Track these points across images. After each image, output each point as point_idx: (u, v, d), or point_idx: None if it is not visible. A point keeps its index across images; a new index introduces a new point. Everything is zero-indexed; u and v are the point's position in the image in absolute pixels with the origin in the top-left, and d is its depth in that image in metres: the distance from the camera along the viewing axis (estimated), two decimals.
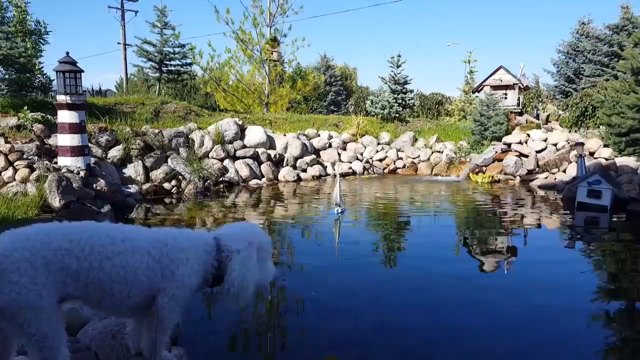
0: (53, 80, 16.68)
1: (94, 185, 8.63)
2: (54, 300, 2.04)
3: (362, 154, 16.26)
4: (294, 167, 14.25)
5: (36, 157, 8.82)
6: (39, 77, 19.37)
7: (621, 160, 11.89)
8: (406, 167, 16.22)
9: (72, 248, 2.06)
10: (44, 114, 10.26)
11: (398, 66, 19.60)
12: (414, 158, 16.43)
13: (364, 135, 16.95)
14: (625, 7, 25.75)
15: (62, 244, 2.05)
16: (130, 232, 2.30)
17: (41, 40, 19.65)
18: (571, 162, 13.00)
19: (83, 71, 8.85)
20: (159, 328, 2.35)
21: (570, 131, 16.11)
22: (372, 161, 16.17)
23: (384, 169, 16.09)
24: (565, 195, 10.95)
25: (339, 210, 8.62)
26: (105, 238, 2.18)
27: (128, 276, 2.17)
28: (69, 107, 8.73)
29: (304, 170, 14.42)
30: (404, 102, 19.41)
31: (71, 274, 2.05)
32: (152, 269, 2.25)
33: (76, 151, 8.84)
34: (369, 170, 15.87)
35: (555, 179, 12.92)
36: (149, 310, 2.32)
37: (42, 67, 18.82)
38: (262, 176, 13.31)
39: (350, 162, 15.70)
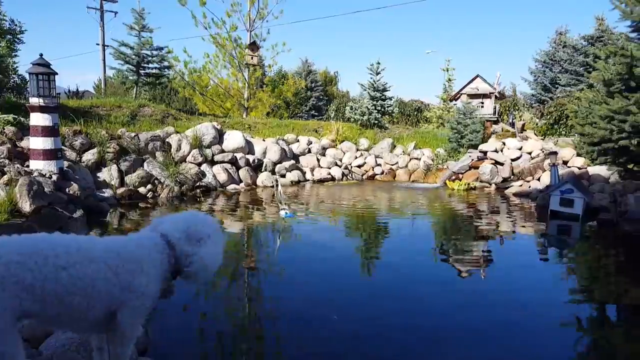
0: (28, 80, 16.39)
1: (67, 190, 8.48)
2: (9, 317, 1.98)
3: (341, 160, 16.30)
4: (273, 172, 14.21)
5: (7, 160, 8.64)
6: (14, 78, 18.97)
7: (593, 170, 12.15)
8: (385, 173, 16.32)
9: (24, 260, 2.00)
10: (16, 116, 10.04)
11: (377, 73, 19.74)
12: (393, 164, 16.54)
13: (343, 141, 17.02)
14: (600, 19, 26.43)
15: (13, 257, 1.99)
16: (84, 242, 2.24)
17: (16, 40, 19.28)
18: (545, 170, 13.22)
19: (57, 73, 8.71)
20: (120, 342, 2.30)
21: (544, 139, 16.40)
22: (351, 167, 16.22)
23: (362, 175, 16.16)
24: (539, 204, 11.13)
25: (289, 213, 9.13)
26: (59, 248, 2.10)
27: (86, 287, 2.10)
28: (42, 109, 8.58)
29: (283, 176, 14.38)
30: (383, 109, 19.55)
31: (26, 288, 1.98)
32: (110, 280, 2.18)
33: (49, 155, 8.68)
34: (348, 176, 15.91)
35: (529, 187, 13.12)
36: (110, 325, 2.27)
37: (17, 67, 18.45)
38: (240, 181, 13.24)
39: (330, 168, 15.72)
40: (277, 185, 9.79)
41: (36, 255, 2.02)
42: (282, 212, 9.20)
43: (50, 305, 2.05)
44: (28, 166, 8.75)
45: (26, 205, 7.21)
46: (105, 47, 22.62)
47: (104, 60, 23.12)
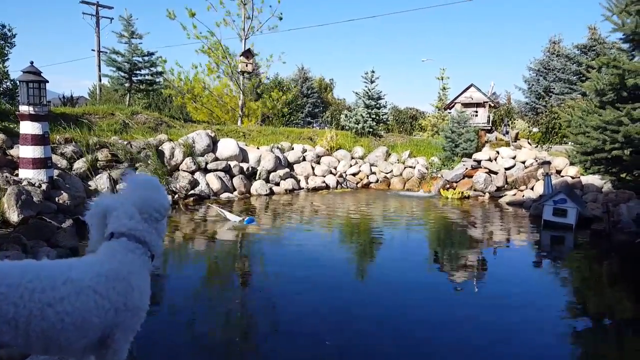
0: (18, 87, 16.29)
1: (56, 199, 8.38)
2: None
3: (335, 168, 16.27)
4: (267, 180, 14.14)
5: None
6: (6, 82, 18.83)
7: (587, 179, 12.15)
8: (379, 181, 16.28)
9: (9, 293, 1.90)
10: (5, 124, 9.95)
11: (372, 82, 19.76)
12: (387, 173, 16.52)
13: (338, 149, 17.00)
14: (592, 28, 26.62)
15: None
16: (69, 270, 2.14)
17: (7, 44, 19.18)
18: (539, 179, 13.23)
19: (47, 81, 8.62)
20: (111, 359, 2.23)
21: (538, 148, 16.43)
22: (346, 175, 16.19)
23: (357, 183, 16.11)
24: (532, 213, 11.11)
25: (247, 219, 9.50)
26: (46, 281, 1.98)
27: (76, 321, 2.01)
28: (32, 118, 8.48)
29: (277, 184, 14.33)
30: (377, 117, 19.55)
31: (8, 321, 1.88)
32: (103, 307, 2.07)
33: (38, 163, 8.57)
34: (343, 185, 15.87)
35: (523, 196, 13.12)
36: (103, 344, 2.18)
37: (7, 71, 18.32)
38: (234, 189, 13.16)
39: (324, 176, 15.68)
40: (215, 207, 10.56)
41: (22, 288, 1.92)
42: (242, 221, 9.49)
43: (36, 339, 1.95)
44: (17, 175, 8.65)
45: (14, 215, 7.11)
46: (101, 53, 22.60)
47: (99, 66, 23.10)
